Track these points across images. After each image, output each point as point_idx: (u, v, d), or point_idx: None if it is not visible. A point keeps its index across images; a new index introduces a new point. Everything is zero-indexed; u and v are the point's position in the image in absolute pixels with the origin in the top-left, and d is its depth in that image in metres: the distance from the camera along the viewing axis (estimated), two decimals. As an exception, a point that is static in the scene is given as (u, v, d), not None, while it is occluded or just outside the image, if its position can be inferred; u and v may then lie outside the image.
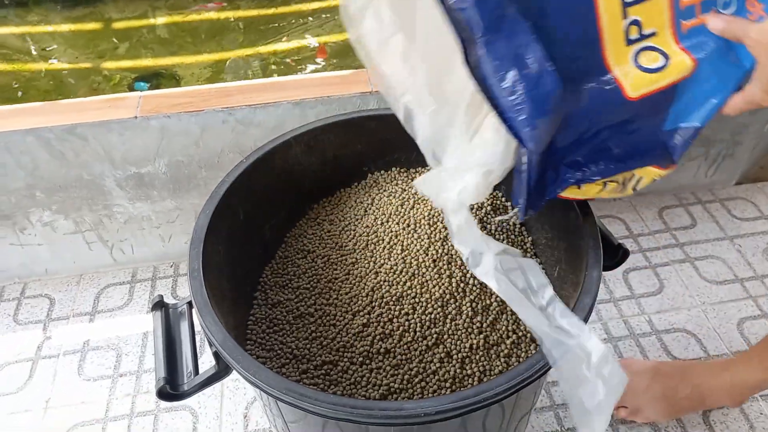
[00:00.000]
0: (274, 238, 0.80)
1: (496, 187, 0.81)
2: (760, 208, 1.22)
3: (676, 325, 1.03)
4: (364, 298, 0.69)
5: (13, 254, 1.11)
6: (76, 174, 1.00)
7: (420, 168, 0.85)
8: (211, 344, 0.56)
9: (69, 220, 1.07)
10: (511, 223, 0.77)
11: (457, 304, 0.67)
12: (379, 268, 0.71)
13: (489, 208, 0.77)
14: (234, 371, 0.54)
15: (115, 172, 1.01)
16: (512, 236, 0.76)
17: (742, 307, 1.05)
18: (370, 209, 0.79)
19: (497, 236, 0.75)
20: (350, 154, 0.83)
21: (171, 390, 0.57)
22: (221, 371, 0.57)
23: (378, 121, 0.79)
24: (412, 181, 0.82)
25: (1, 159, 0.96)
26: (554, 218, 0.70)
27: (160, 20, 1.50)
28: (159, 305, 0.63)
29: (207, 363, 0.58)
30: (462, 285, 0.68)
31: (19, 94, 1.29)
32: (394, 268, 0.70)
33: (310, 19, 1.50)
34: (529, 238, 0.77)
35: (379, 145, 0.83)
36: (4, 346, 1.06)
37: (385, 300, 0.68)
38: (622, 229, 1.19)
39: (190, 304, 0.62)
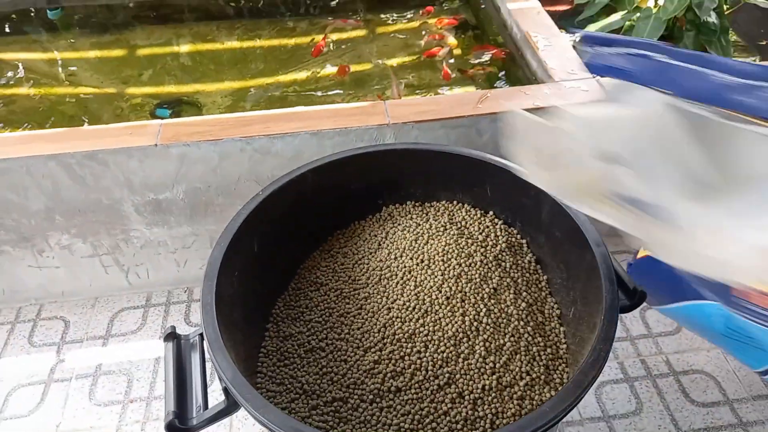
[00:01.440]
0: (288, 269, 0.80)
1: (512, 224, 0.81)
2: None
3: (694, 366, 1.00)
4: (376, 334, 0.69)
5: (31, 276, 1.12)
6: (95, 198, 1.01)
7: (435, 203, 0.85)
8: (221, 380, 0.55)
9: (87, 244, 1.08)
10: (526, 261, 0.76)
11: (470, 343, 0.66)
12: (392, 303, 0.71)
13: (504, 245, 0.76)
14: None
15: (134, 198, 1.02)
16: (527, 274, 0.75)
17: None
18: (383, 243, 0.79)
19: (512, 273, 0.74)
20: (365, 187, 0.83)
21: (180, 424, 0.56)
22: (230, 407, 0.57)
23: (394, 155, 0.80)
24: (426, 215, 0.82)
25: (23, 182, 0.98)
26: (571, 257, 0.69)
27: (184, 48, 1.54)
28: (171, 336, 0.63)
29: (217, 392, 0.58)
30: (475, 324, 0.67)
31: (50, 119, 1.32)
32: (407, 304, 0.70)
33: (331, 47, 1.52)
34: (545, 277, 0.76)
35: (394, 178, 0.83)
36: (18, 368, 1.06)
37: (397, 337, 0.68)
38: (640, 266, 1.17)
39: (201, 336, 0.62)
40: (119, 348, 1.09)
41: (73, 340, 1.10)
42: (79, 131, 0.99)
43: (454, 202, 0.83)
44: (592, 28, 1.40)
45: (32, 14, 1.62)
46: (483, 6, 1.55)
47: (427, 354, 0.66)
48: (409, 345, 0.67)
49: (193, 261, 1.15)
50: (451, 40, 1.49)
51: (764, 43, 1.62)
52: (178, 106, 1.37)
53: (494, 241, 0.76)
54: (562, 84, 1.07)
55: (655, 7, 1.33)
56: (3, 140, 0.97)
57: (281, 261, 0.79)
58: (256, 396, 0.52)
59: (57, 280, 1.14)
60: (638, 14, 1.33)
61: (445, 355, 0.66)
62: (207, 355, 0.62)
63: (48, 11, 1.56)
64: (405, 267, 0.73)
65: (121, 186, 1.00)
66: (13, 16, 1.61)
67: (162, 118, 1.30)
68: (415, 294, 0.70)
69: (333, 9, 1.67)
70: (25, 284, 1.14)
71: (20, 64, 1.48)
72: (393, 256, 0.75)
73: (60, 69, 1.48)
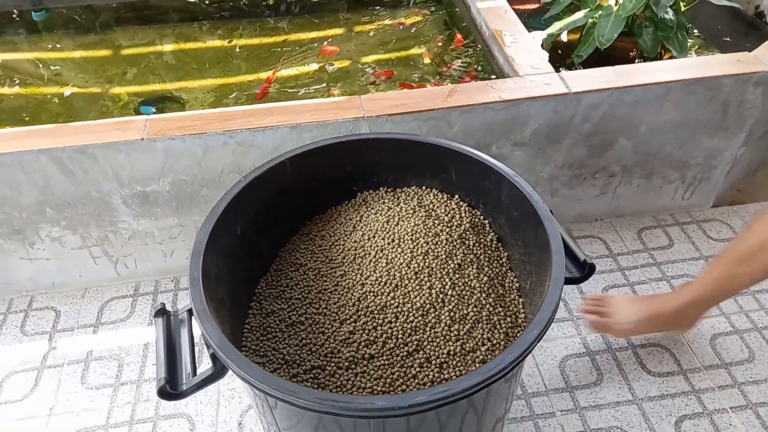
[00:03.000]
0: (270, 252, 0.86)
1: (476, 206, 0.87)
2: (735, 229, 1.28)
3: (651, 340, 1.08)
4: (351, 308, 0.75)
5: (23, 268, 1.17)
6: (84, 191, 1.06)
7: (406, 188, 0.91)
8: (208, 346, 0.61)
9: (77, 236, 1.13)
10: (489, 239, 0.83)
11: (437, 313, 0.73)
12: (365, 279, 0.77)
13: (468, 225, 0.82)
14: (229, 373, 0.60)
15: (122, 190, 1.07)
16: (489, 251, 0.81)
17: (715, 324, 1.10)
18: (358, 226, 0.85)
19: (475, 250, 0.80)
20: (341, 175, 0.89)
21: (171, 389, 0.62)
22: (218, 372, 0.62)
23: (367, 144, 0.86)
24: (397, 199, 0.88)
25: (15, 177, 1.02)
26: (527, 235, 0.76)
27: (168, 47, 1.58)
28: (161, 312, 0.68)
29: (205, 364, 0.63)
30: (441, 296, 0.74)
31: (37, 118, 1.36)
32: (379, 279, 0.76)
33: (309, 47, 1.57)
34: (505, 253, 0.82)
35: (368, 166, 0.89)
36: (11, 355, 1.11)
37: (370, 309, 0.74)
38: (602, 249, 1.25)
39: (190, 312, 0.68)
40: (109, 335, 1.13)
41: (64, 329, 1.15)
42: (70, 127, 1.03)
43: (423, 187, 0.90)
44: (557, 26, 1.47)
45: (15, 16, 1.66)
46: (456, 8, 1.61)
47: (398, 324, 0.72)
48: (381, 316, 0.73)
49: (180, 251, 1.20)
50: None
51: (727, 39, 1.70)
52: (161, 103, 1.42)
53: (459, 222, 0.82)
54: (527, 78, 1.13)
55: (615, 5, 1.41)
56: (-5, 136, 1.01)
57: (263, 244, 0.84)
58: (242, 358, 0.58)
59: (48, 272, 1.19)
60: (600, 12, 1.40)
61: (413, 324, 0.72)
62: (195, 334, 0.68)
63: (33, 13, 1.60)
64: (377, 246, 0.80)
65: (110, 179, 1.05)
66: (-3, 17, 1.64)
67: (146, 115, 1.35)
68: (387, 270, 0.77)
69: (313, 7, 1.73)
70: (17, 276, 1.18)
71: (6, 65, 1.51)
72: (366, 237, 0.82)
73: (45, 69, 1.51)
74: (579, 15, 1.45)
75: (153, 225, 1.14)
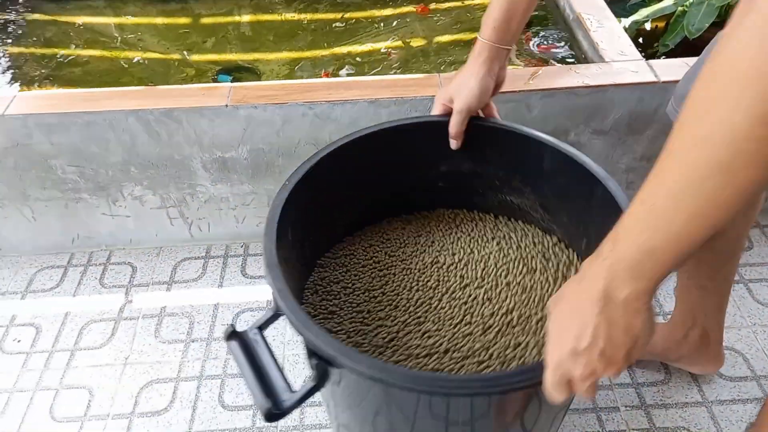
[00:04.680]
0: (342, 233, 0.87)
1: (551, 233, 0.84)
2: (822, 236, 1.22)
3: (726, 343, 1.04)
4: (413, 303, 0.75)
5: (104, 223, 1.22)
6: (168, 154, 1.10)
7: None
8: (312, 356, 0.58)
9: (156, 196, 1.17)
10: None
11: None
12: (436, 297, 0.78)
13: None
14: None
15: (202, 155, 1.10)
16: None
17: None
18: (445, 252, 0.84)
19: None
20: (444, 172, 0.86)
21: (275, 410, 0.57)
22: (320, 383, 0.59)
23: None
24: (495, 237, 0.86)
25: (105, 135, 1.07)
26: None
27: (245, 18, 1.61)
28: (233, 335, 0.62)
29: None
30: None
31: (120, 80, 1.41)
32: (450, 306, 0.77)
33: (383, 24, 1.57)
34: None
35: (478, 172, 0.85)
36: (90, 305, 1.17)
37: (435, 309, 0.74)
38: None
39: (260, 328, 0.64)
40: (181, 294, 1.18)
41: (140, 284, 1.20)
42: (157, 90, 1.07)
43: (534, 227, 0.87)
44: (643, 13, 1.42)
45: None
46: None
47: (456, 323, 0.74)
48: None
49: (251, 218, 1.23)
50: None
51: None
52: (238, 72, 1.45)
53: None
54: (613, 64, 1.10)
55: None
56: (90, 95, 1.05)
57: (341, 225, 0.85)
58: (358, 357, 0.55)
59: (126, 229, 1.24)
60: (691, 0, 1.34)
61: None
62: (271, 344, 0.61)
63: (119, -22, 1.65)
64: (453, 267, 0.81)
65: (192, 143, 1.08)
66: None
67: (230, 83, 1.38)
68: (462, 302, 0.77)
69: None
70: (98, 231, 1.24)
71: (93, 29, 1.57)
72: (449, 269, 0.82)
73: (129, 35, 1.57)
74: (668, 2, 1.39)
75: (228, 190, 1.17)
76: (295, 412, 0.98)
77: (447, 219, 0.90)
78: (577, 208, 0.77)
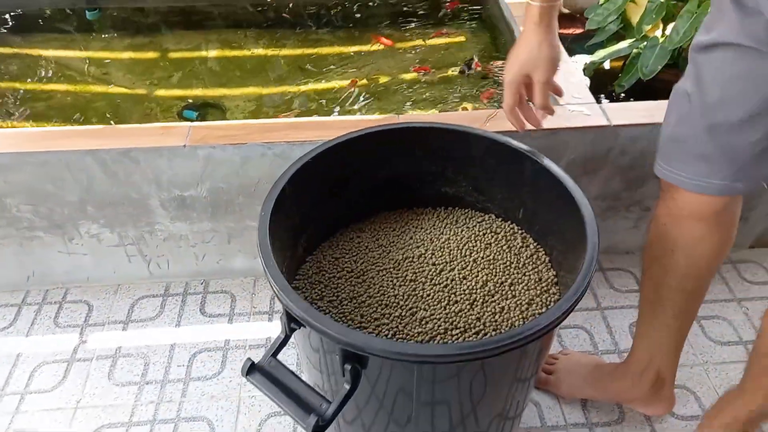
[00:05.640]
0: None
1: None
2: (771, 272, 1.25)
3: (678, 382, 1.05)
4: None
5: (60, 261, 1.20)
6: (125, 192, 1.09)
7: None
8: (348, 359, 0.62)
9: (114, 234, 1.16)
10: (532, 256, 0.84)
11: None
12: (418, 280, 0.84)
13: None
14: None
15: (160, 194, 1.10)
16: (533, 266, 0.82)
17: (743, 369, 1.07)
18: (399, 243, 0.88)
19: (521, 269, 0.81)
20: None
21: (322, 423, 0.60)
22: (353, 387, 0.62)
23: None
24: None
25: (61, 175, 1.06)
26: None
27: (212, 53, 1.62)
28: (253, 368, 0.65)
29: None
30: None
31: (84, 115, 1.41)
32: (435, 289, 0.83)
33: (352, 62, 1.59)
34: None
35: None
36: (43, 346, 1.14)
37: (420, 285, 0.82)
38: (632, 282, 1.23)
39: (273, 355, 0.66)
40: (138, 333, 1.16)
41: (95, 323, 1.18)
42: (116, 129, 1.07)
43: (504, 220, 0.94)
44: (600, 54, 1.46)
45: (70, 13, 1.71)
46: (498, 28, 1.61)
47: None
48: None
49: (211, 255, 1.22)
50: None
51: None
52: (204, 108, 1.45)
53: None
54: (567, 107, 1.13)
55: (662, 36, 1.39)
56: (46, 134, 1.05)
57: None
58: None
59: (83, 267, 1.22)
60: (645, 43, 1.39)
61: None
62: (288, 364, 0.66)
63: (87, 11, 1.65)
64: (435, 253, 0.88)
65: (150, 182, 1.08)
66: (48, 12, 1.70)
67: (189, 120, 1.39)
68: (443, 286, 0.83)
69: (356, 21, 1.75)
70: (54, 269, 1.22)
71: (59, 62, 1.57)
72: (420, 261, 0.87)
73: (95, 68, 1.56)
74: (623, 44, 1.44)
75: (188, 228, 1.16)
76: (249, 457, 0.96)
77: (397, 219, 0.96)
78: (509, 184, 0.89)
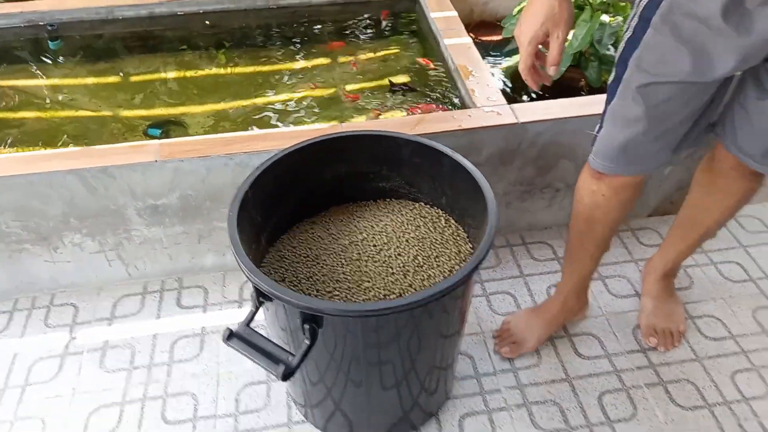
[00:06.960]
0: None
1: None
2: (663, 236, 1.49)
3: (584, 330, 1.28)
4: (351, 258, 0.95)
5: (46, 269, 1.34)
6: (104, 205, 1.24)
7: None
8: (306, 321, 0.80)
9: (95, 242, 1.31)
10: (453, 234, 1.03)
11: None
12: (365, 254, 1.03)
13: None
14: (227, 358, 0.78)
15: (136, 204, 1.26)
16: (454, 243, 1.02)
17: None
18: (346, 231, 1.06)
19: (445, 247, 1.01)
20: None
21: (288, 371, 0.77)
22: (312, 342, 0.80)
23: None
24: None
25: (45, 192, 1.20)
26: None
27: (171, 74, 1.77)
28: (231, 335, 0.80)
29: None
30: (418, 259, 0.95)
31: (55, 139, 1.54)
32: (376, 258, 1.03)
33: (300, 76, 1.77)
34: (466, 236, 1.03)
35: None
36: (37, 345, 1.28)
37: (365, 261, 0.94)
38: (550, 253, 1.45)
39: (248, 324, 0.82)
40: (122, 327, 1.31)
41: (82, 322, 1.33)
42: (93, 150, 1.22)
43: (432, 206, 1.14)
44: (515, 58, 1.68)
45: (35, 45, 1.83)
46: (429, 42, 1.82)
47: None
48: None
49: (183, 255, 1.38)
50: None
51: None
52: (167, 126, 1.60)
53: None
54: (483, 109, 1.34)
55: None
56: (30, 158, 1.19)
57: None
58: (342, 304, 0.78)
59: (67, 273, 1.36)
60: (551, 49, 1.61)
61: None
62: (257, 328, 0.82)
63: (49, 42, 1.78)
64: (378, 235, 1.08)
65: (126, 194, 1.24)
66: (16, 45, 1.82)
67: (153, 137, 1.54)
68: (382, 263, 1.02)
69: (303, 40, 1.92)
70: (40, 277, 1.36)
71: (26, 91, 1.69)
72: (363, 244, 1.06)
73: (61, 95, 1.69)
74: (533, 50, 1.66)
75: (162, 232, 1.32)
76: (282, 413, 1.13)
77: (343, 213, 1.15)
78: (432, 176, 1.10)
